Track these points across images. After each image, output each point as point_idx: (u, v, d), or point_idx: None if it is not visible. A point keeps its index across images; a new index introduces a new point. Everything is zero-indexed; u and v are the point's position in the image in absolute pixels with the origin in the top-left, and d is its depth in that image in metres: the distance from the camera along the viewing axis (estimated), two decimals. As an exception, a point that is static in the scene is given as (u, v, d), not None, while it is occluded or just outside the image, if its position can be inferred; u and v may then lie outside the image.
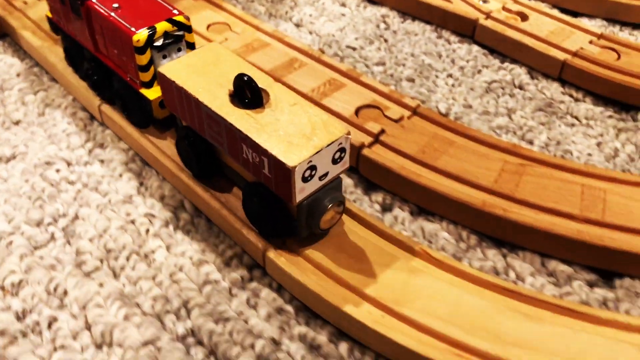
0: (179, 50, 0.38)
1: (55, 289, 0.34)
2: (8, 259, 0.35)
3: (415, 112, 0.43)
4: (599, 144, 0.43)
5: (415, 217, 0.38)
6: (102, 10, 0.38)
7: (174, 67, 0.34)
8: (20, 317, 0.33)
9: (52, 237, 0.37)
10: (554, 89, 0.48)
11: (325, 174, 0.31)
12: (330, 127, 0.31)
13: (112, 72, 0.40)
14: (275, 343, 0.32)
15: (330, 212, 0.32)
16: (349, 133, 0.31)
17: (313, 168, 0.30)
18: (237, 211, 0.35)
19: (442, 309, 0.30)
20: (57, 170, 0.41)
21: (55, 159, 0.41)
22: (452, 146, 0.40)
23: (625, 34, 0.54)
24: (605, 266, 0.35)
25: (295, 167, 0.29)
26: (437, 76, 0.50)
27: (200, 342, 0.32)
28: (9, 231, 0.37)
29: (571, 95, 0.48)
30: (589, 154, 0.43)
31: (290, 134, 0.30)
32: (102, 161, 0.42)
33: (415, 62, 0.50)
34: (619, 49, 0.49)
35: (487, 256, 0.36)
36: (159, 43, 0.37)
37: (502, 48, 0.51)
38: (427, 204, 0.38)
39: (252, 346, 0.31)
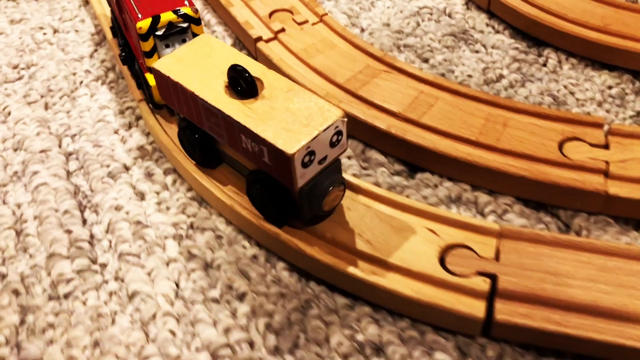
0: (184, 41, 0.39)
1: (3, 109, 0.47)
2: (-17, 86, 0.49)
3: (321, 19, 0.49)
4: (485, 69, 0.47)
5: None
6: None
7: (168, 62, 0.35)
8: (-26, 122, 0.46)
9: (20, 77, 0.50)
10: (479, 20, 0.51)
11: (324, 158, 0.31)
12: (325, 111, 0.31)
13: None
14: (126, 168, 0.42)
15: (332, 194, 0.33)
16: (344, 116, 0.31)
17: (312, 153, 0.31)
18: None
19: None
20: (44, 33, 0.53)
21: (46, 26, 0.54)
22: (333, 49, 0.46)
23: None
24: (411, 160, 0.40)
25: (294, 154, 0.29)
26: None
27: (77, 158, 0.43)
28: (-9, 68, 0.50)
29: (493, 27, 0.51)
30: (469, 75, 0.46)
31: (287, 121, 0.31)
32: (76, 31, 0.53)
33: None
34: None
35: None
36: (160, 32, 0.38)
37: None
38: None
39: (108, 166, 0.42)
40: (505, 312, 0.30)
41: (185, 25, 0.38)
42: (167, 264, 0.36)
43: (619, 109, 0.43)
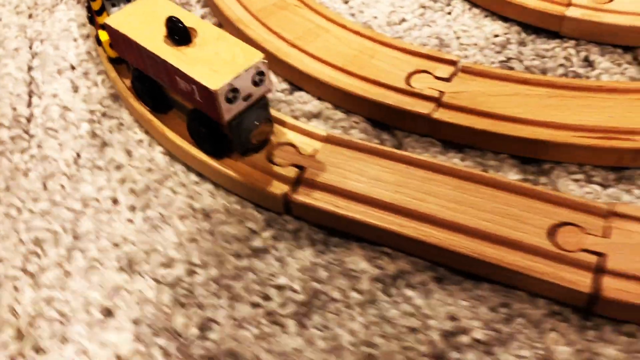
0: (128, 1, 0.44)
1: (-2, 16, 0.58)
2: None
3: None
4: (391, 12, 0.52)
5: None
6: None
7: (118, 17, 0.39)
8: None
9: None
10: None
11: (249, 95, 0.36)
12: (248, 54, 0.36)
13: None
14: (72, 67, 0.51)
15: (259, 129, 0.38)
16: (265, 58, 0.36)
17: (235, 90, 0.35)
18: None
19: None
20: None
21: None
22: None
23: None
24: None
25: (217, 90, 0.34)
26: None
27: (39, 57, 0.53)
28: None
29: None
30: (375, 17, 0.52)
31: (214, 63, 0.35)
32: None
33: None
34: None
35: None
36: None
37: None
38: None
39: (59, 64, 0.51)
40: (302, 193, 0.38)
41: None
42: (75, 139, 0.45)
43: (496, 55, 0.48)
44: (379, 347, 0.33)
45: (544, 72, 0.46)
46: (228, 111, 0.36)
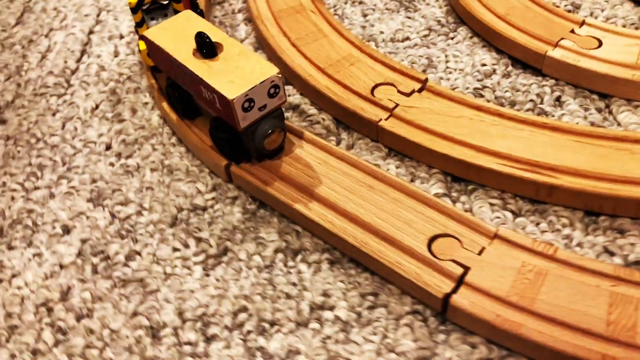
0: (165, 15, 0.48)
1: None
2: None
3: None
4: (397, 30, 0.56)
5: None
6: None
7: (155, 31, 0.43)
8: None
9: None
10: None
11: (264, 106, 0.40)
12: (265, 68, 0.39)
13: None
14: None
15: (272, 136, 0.41)
16: (279, 73, 0.39)
17: (251, 100, 0.39)
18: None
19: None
20: None
21: None
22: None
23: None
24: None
25: (233, 99, 0.38)
26: None
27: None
28: None
29: (436, 0, 0.59)
30: (381, 32, 0.56)
31: (234, 75, 0.39)
32: None
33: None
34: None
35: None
36: (145, 7, 0.47)
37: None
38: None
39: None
40: (243, 169, 0.43)
41: (166, 2, 0.48)
42: (99, 93, 0.54)
43: (475, 82, 0.50)
44: (254, 302, 0.38)
45: (512, 104, 0.48)
46: (244, 119, 0.39)
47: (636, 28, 0.52)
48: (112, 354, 0.37)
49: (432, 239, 0.38)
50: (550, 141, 0.42)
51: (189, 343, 0.37)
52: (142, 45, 0.49)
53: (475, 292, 0.35)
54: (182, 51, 0.41)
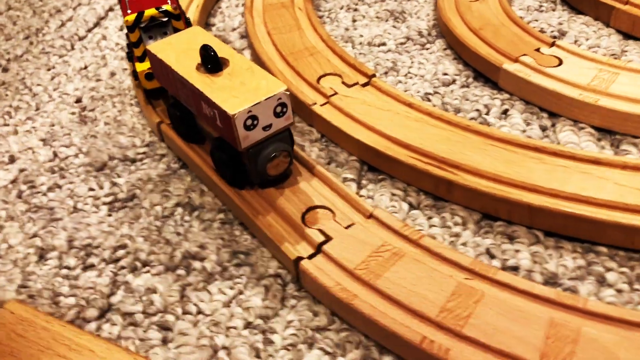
0: (165, 34, 0.45)
1: None
2: None
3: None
4: (376, 36, 0.57)
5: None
6: None
7: (159, 45, 0.41)
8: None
9: None
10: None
11: (269, 125, 0.36)
12: (271, 85, 0.36)
13: None
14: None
15: (276, 160, 0.37)
16: (287, 90, 0.35)
17: (254, 118, 0.34)
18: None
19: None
20: None
21: None
22: None
23: None
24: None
25: (234, 114, 0.34)
26: None
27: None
28: None
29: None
30: (361, 35, 0.58)
31: (238, 91, 0.35)
32: None
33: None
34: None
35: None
36: (143, 25, 0.44)
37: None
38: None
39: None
40: (168, 128, 0.46)
41: (165, 19, 0.44)
42: (93, 57, 0.59)
43: (430, 88, 0.50)
44: (136, 243, 0.40)
45: (457, 111, 0.47)
46: (245, 138, 0.35)
47: (615, 58, 0.50)
48: (1, 264, 0.39)
49: (310, 209, 0.38)
50: (465, 141, 0.41)
51: (67, 267, 0.39)
52: (140, 67, 0.46)
53: (329, 261, 0.35)
54: (185, 65, 0.38)
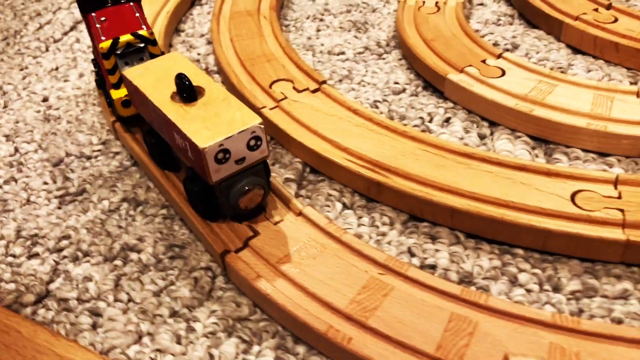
0: (141, 59, 0.44)
1: None
2: None
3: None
4: (338, 45, 0.59)
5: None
6: (93, 21, 0.45)
7: (136, 71, 0.40)
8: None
9: None
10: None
11: (242, 159, 0.34)
12: (246, 117, 0.35)
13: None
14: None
15: (249, 194, 0.36)
16: (261, 123, 0.34)
17: (226, 152, 0.33)
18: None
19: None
20: None
21: None
22: None
23: None
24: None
25: (205, 148, 0.33)
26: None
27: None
28: None
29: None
30: (322, 44, 0.60)
31: (211, 123, 0.34)
32: None
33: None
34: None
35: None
36: (119, 51, 0.43)
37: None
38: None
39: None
40: (121, 128, 0.48)
41: (141, 45, 0.44)
42: (64, 53, 0.61)
43: (379, 96, 0.52)
44: (79, 234, 0.41)
45: (402, 118, 0.49)
46: (217, 172, 0.34)
47: (562, 72, 0.52)
48: (-52, 252, 0.41)
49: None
50: (399, 146, 0.43)
51: (13, 255, 0.41)
52: (116, 94, 0.45)
53: (254, 254, 0.36)
54: (160, 93, 0.37)
